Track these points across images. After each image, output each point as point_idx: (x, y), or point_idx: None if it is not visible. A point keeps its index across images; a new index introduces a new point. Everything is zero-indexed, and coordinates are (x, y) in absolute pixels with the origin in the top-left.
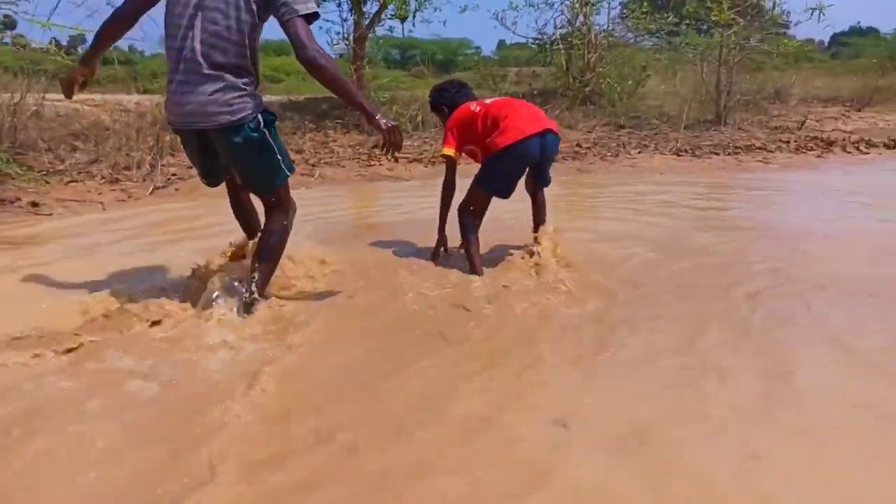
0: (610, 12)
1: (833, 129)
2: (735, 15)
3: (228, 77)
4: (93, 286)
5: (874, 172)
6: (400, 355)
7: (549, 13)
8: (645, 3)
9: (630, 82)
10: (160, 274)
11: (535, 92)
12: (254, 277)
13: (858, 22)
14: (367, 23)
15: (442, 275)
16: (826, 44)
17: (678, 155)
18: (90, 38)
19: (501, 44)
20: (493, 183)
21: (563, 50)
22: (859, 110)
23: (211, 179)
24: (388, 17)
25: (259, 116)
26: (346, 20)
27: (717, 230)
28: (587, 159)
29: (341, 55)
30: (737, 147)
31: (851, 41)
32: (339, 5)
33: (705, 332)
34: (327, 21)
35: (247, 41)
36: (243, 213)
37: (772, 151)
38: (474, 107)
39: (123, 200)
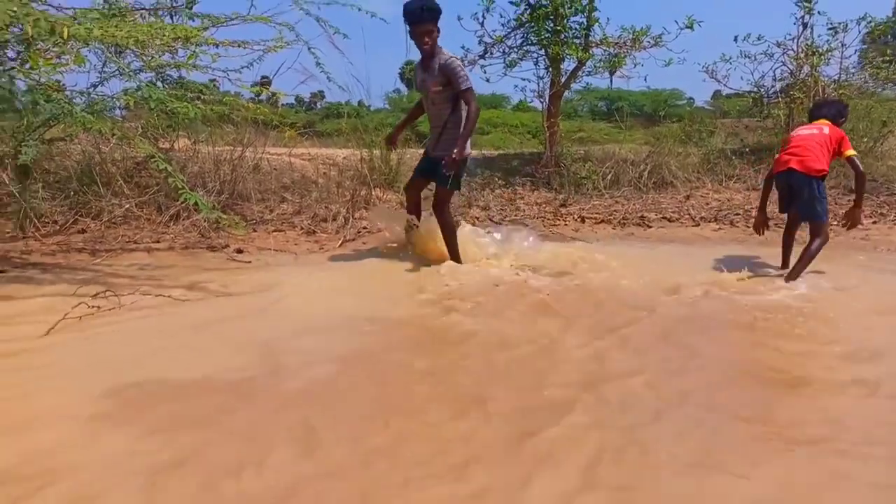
0: (843, 62)
1: None
2: None
3: None
4: None
5: None
6: None
7: (769, 64)
8: (888, 52)
9: (866, 139)
10: None
11: (748, 149)
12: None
13: None
14: (563, 80)
15: None
16: None
17: None
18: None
19: (717, 94)
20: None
21: (784, 103)
22: None
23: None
24: (585, 73)
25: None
26: (541, 78)
27: None
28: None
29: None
30: None
31: None
32: (535, 63)
33: None
34: (524, 80)
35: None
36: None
37: None
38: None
39: (314, 252)
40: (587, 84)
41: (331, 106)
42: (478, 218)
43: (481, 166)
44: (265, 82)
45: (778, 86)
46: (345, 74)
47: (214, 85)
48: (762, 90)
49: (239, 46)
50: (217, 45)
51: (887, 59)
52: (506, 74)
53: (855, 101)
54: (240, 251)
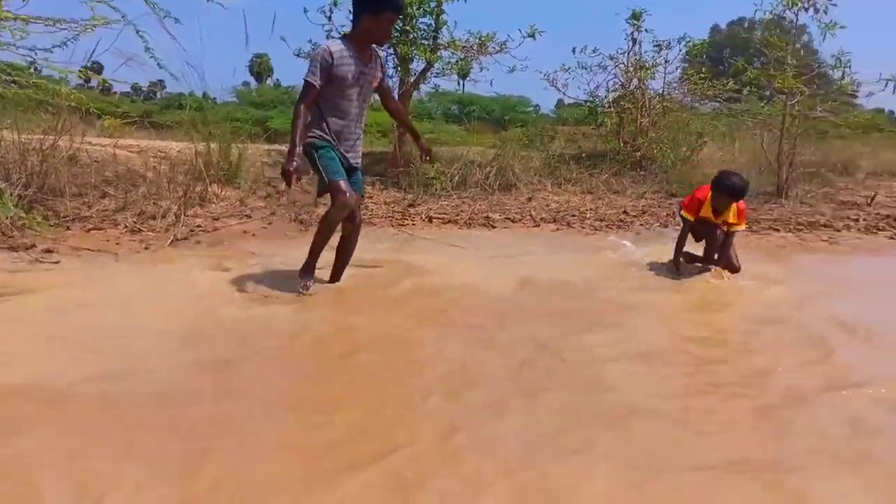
0: (666, 76)
1: None
2: (800, 83)
3: None
4: None
5: None
6: None
7: (603, 76)
8: (704, 70)
9: (684, 149)
10: None
11: (584, 154)
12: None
13: None
14: (413, 80)
15: None
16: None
17: None
18: None
19: (560, 103)
20: None
21: (615, 113)
22: None
23: None
24: (434, 75)
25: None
26: (391, 77)
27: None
28: (633, 227)
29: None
30: (799, 223)
31: None
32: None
33: None
34: None
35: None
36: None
37: (839, 230)
38: None
39: (139, 252)
40: (436, 86)
41: (171, 96)
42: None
43: None
44: (95, 68)
45: (610, 96)
46: (179, 62)
47: (34, 67)
48: (597, 100)
49: (52, 24)
50: (27, 21)
51: (703, 76)
52: None
53: (676, 115)
54: (49, 251)
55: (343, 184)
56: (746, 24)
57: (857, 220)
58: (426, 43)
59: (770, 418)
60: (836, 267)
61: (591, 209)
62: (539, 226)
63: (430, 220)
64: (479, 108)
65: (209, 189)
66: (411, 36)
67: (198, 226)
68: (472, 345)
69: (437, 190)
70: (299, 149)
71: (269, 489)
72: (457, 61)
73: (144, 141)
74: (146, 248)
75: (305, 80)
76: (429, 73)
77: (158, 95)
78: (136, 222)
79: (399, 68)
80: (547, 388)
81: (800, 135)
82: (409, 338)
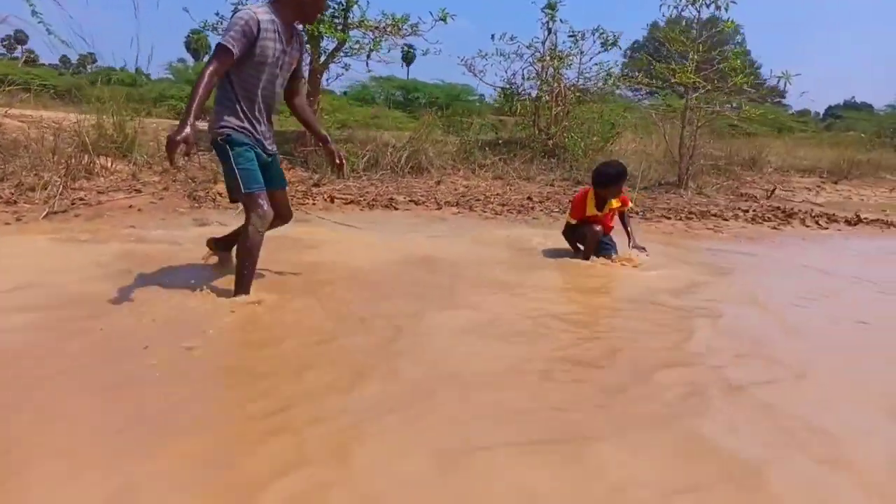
0: (580, 67)
1: (803, 201)
2: (699, 79)
3: None
4: None
5: (823, 250)
6: None
7: (519, 63)
8: (623, 65)
9: (596, 138)
10: None
11: (501, 141)
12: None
13: (853, 97)
14: (322, 59)
15: None
16: (821, 115)
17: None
18: None
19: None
20: None
21: (530, 101)
22: (836, 183)
23: None
24: (344, 55)
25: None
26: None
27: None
28: (533, 213)
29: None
30: (691, 212)
31: (846, 115)
32: None
33: None
34: None
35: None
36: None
37: (727, 219)
38: None
39: (8, 223)
40: (346, 66)
41: (100, 71)
42: (214, 199)
43: None
44: (20, 38)
45: (525, 84)
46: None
47: None
48: (513, 87)
49: None
50: None
51: (639, 67)
52: None
53: (589, 105)
54: None
55: (261, 197)
56: (684, 23)
57: (746, 211)
58: (337, 21)
59: (607, 395)
60: (718, 255)
61: (497, 194)
62: (441, 209)
63: (332, 200)
64: (424, 94)
65: (97, 162)
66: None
67: (80, 199)
68: (332, 319)
69: (346, 170)
70: (199, 123)
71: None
72: (373, 41)
73: (49, 112)
74: (18, 220)
75: (221, 44)
76: (339, 53)
77: (89, 69)
78: (13, 193)
79: (308, 46)
80: (386, 364)
81: (700, 128)
82: (268, 310)
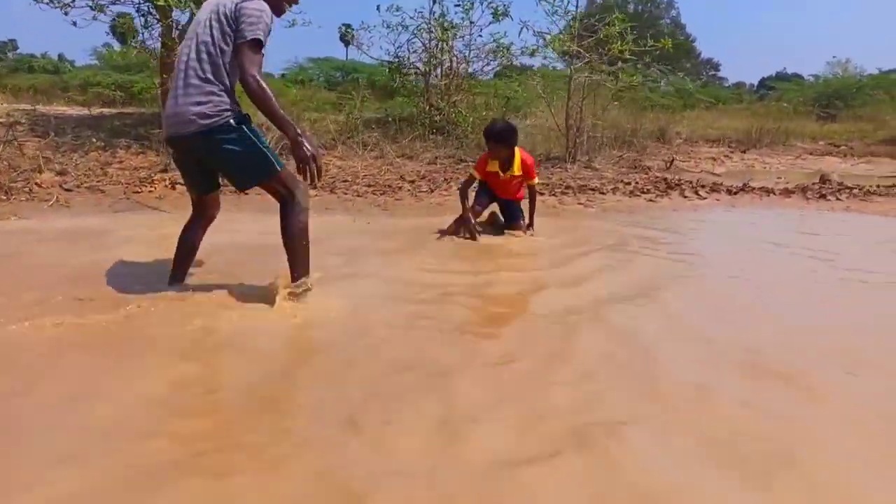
0: (471, 38)
1: (701, 171)
2: (580, 47)
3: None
4: None
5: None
6: None
7: (405, 35)
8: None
9: (483, 113)
10: None
11: (391, 118)
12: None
13: (784, 68)
14: (176, 34)
15: None
16: (755, 87)
17: None
18: None
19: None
20: None
21: (417, 75)
22: (744, 152)
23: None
24: None
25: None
26: (149, 27)
27: None
28: (398, 195)
29: None
30: (568, 187)
31: (778, 85)
32: (137, 11)
33: None
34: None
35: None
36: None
37: (604, 193)
38: None
39: None
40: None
41: (21, 58)
42: (52, 185)
43: (82, 126)
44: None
45: (413, 57)
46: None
47: None
48: (400, 61)
49: None
50: None
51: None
52: (95, 19)
53: (486, 81)
54: None
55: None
56: None
57: (629, 184)
58: None
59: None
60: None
61: (368, 175)
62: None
63: (174, 186)
64: (366, 75)
65: None
66: None
67: None
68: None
69: None
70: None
71: None
72: None
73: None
74: None
75: (257, 40)
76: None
77: (10, 56)
78: None
79: (159, 20)
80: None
81: (585, 99)
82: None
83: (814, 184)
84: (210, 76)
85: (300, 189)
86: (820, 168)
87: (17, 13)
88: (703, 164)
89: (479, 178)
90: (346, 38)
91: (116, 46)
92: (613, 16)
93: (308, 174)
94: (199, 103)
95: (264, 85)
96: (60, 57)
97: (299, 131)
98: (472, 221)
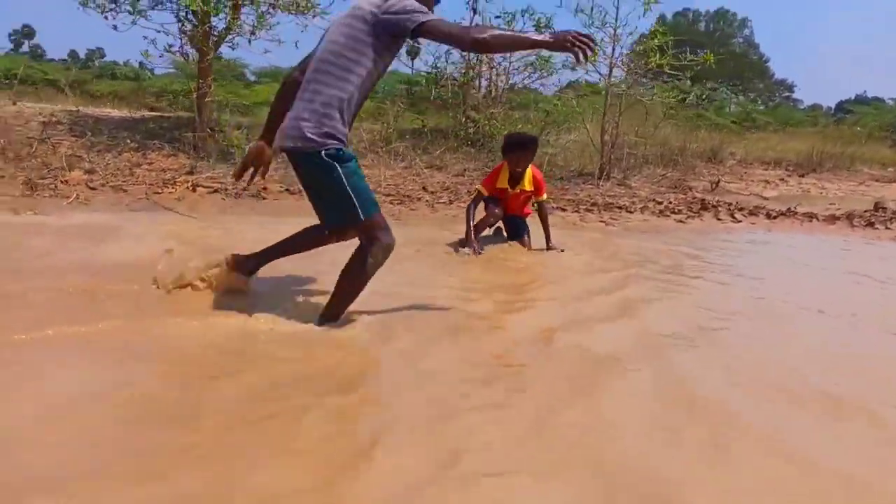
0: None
1: (750, 194)
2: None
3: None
4: None
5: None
6: None
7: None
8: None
9: (519, 126)
10: None
11: (426, 129)
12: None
13: (865, 91)
14: (214, 40)
15: None
16: (832, 110)
17: None
18: None
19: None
20: None
21: (455, 87)
22: (802, 176)
23: None
24: (235, 35)
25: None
26: (187, 34)
27: None
28: (414, 205)
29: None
30: (594, 204)
31: (856, 109)
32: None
33: None
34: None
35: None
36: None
37: (632, 212)
38: None
39: None
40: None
41: (105, 65)
42: (78, 183)
43: (120, 127)
44: (26, 32)
45: (449, 69)
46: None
47: None
48: (438, 71)
49: None
50: None
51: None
52: (134, 24)
53: (526, 93)
54: None
55: (382, 218)
56: (691, 16)
57: (660, 203)
58: None
59: None
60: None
61: (391, 185)
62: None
63: (195, 188)
64: (402, 84)
65: None
66: None
67: None
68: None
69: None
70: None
71: None
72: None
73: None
74: None
75: (423, 13)
76: (232, 33)
77: (97, 63)
78: None
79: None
80: None
81: (622, 115)
82: None
83: (865, 211)
84: (332, 84)
85: (380, 243)
86: (883, 196)
87: (104, 23)
88: (753, 187)
89: (487, 195)
90: (412, 52)
91: (152, 51)
92: (652, 28)
93: (581, 51)
94: (303, 119)
95: (486, 36)
96: (141, 65)
97: (541, 37)
98: (475, 245)
